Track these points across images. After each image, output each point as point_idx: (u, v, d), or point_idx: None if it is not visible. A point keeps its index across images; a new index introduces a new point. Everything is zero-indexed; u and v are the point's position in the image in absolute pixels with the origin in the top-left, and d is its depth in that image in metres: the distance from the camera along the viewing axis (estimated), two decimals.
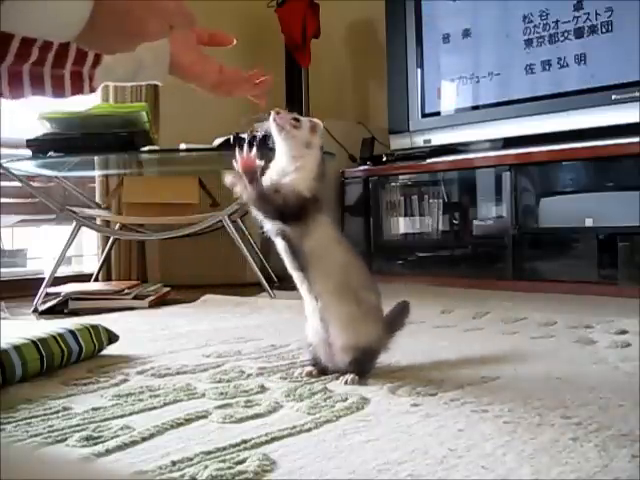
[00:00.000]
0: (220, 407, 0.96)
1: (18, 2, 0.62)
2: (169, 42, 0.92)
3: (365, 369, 1.11)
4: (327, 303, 1.10)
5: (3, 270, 2.71)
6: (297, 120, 1.11)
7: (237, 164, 1.08)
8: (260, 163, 1.09)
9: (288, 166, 1.10)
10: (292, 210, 1.08)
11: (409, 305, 1.28)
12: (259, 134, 1.14)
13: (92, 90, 0.86)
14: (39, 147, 2.35)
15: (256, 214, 1.11)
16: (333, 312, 1.10)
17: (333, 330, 1.10)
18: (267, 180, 1.11)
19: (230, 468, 0.71)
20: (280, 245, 1.12)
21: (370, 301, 1.13)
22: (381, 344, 1.15)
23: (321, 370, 1.14)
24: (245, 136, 2.39)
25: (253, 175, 1.08)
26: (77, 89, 0.84)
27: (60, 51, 0.78)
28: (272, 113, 1.11)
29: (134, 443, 0.81)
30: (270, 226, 1.11)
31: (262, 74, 1.04)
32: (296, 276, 1.12)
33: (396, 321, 1.23)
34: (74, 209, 2.46)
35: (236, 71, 1.03)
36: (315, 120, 1.13)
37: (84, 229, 2.56)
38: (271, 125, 1.11)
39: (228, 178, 1.10)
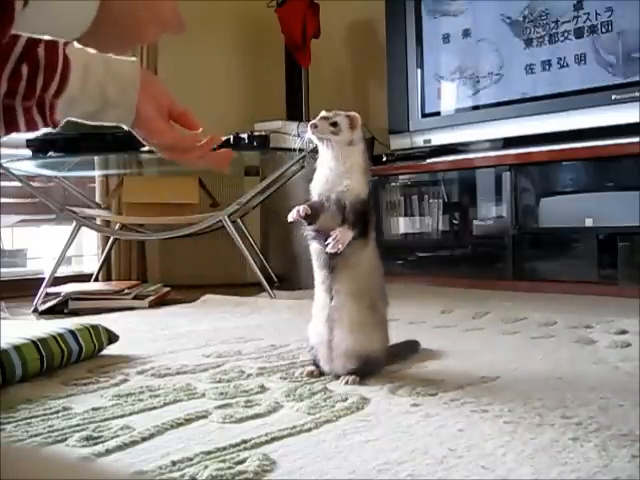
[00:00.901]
0: (220, 407, 0.96)
1: (32, 2, 0.62)
2: (140, 92, 0.88)
3: (363, 376, 1.10)
4: (342, 302, 1.08)
5: (3, 270, 2.71)
6: (335, 125, 1.08)
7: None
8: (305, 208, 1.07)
9: (338, 171, 1.08)
10: (362, 218, 1.08)
11: (418, 345, 1.31)
12: (303, 145, 1.14)
13: (53, 123, 0.81)
14: (39, 147, 2.35)
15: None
16: (345, 313, 1.08)
17: (339, 332, 1.09)
18: (319, 190, 1.09)
19: (230, 468, 0.71)
20: (315, 247, 1.11)
21: (382, 313, 1.13)
22: (383, 357, 1.14)
23: (321, 370, 1.14)
24: (245, 136, 2.40)
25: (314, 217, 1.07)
26: (38, 119, 0.79)
27: (29, 84, 0.75)
28: (309, 127, 1.09)
29: (134, 443, 0.81)
30: (309, 230, 1.10)
31: (216, 140, 1.01)
32: (320, 274, 1.11)
33: (400, 352, 1.24)
34: (74, 209, 2.46)
35: (193, 137, 1.00)
36: (352, 114, 1.10)
37: (84, 229, 2.56)
38: (312, 138, 1.10)
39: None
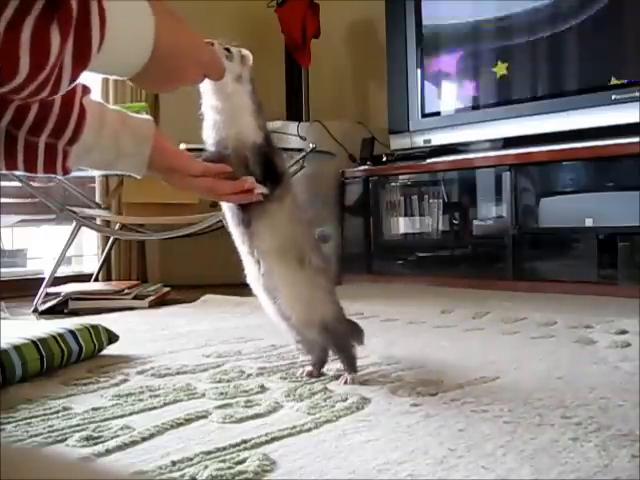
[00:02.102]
0: (220, 407, 0.96)
1: None
2: (154, 144, 0.91)
3: (341, 349, 1.08)
4: (270, 265, 1.04)
5: (3, 270, 2.71)
6: (229, 51, 1.01)
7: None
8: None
9: (225, 112, 1.01)
10: (268, 167, 1.02)
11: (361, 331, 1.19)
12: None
13: (65, 170, 0.83)
14: None
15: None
16: (277, 277, 1.04)
17: (282, 302, 1.05)
18: (212, 138, 1.03)
19: (230, 468, 0.71)
20: (227, 205, 1.06)
21: (317, 267, 1.07)
22: (342, 321, 1.09)
23: (321, 370, 1.15)
24: None
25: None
26: (49, 165, 0.82)
27: (37, 121, 0.77)
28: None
29: (134, 443, 0.81)
30: None
31: (248, 186, 1.00)
32: (236, 234, 1.06)
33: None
34: (74, 209, 2.46)
35: (222, 167, 1.00)
36: (245, 51, 1.03)
37: (84, 229, 2.56)
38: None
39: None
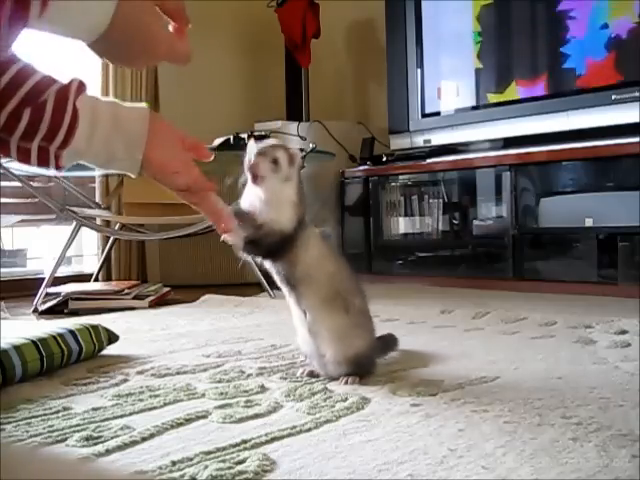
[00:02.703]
0: (220, 407, 0.96)
1: (53, 3, 0.64)
2: (148, 141, 0.88)
3: (361, 375, 1.10)
4: (316, 317, 1.08)
5: (3, 270, 2.71)
6: (276, 162, 1.02)
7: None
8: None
9: (268, 203, 1.03)
10: (277, 248, 1.05)
11: (396, 339, 1.27)
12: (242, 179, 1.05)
13: (58, 167, 0.83)
14: None
15: (244, 256, 1.07)
16: (322, 325, 1.08)
17: (322, 343, 1.09)
18: (245, 206, 1.05)
19: (230, 468, 0.71)
20: (268, 265, 1.09)
21: (360, 308, 1.12)
22: (373, 352, 1.13)
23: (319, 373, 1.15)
24: (245, 136, 2.40)
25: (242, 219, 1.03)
26: (43, 164, 0.82)
27: (29, 129, 0.77)
28: (246, 167, 1.01)
29: (134, 443, 0.81)
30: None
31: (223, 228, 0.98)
32: (284, 289, 1.11)
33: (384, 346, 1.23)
34: (74, 209, 2.46)
35: (211, 185, 0.97)
36: (291, 150, 1.04)
37: (84, 229, 2.56)
38: (247, 174, 1.02)
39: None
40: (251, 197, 1.05)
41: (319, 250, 1.10)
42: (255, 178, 1.01)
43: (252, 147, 1.04)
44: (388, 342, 1.25)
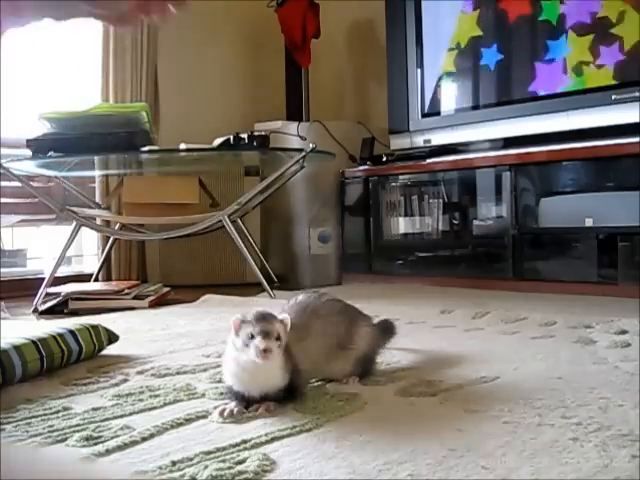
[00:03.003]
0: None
1: None
2: None
3: (361, 375, 1.10)
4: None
5: (3, 270, 2.70)
6: (279, 338, 0.94)
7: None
8: None
9: (265, 369, 0.95)
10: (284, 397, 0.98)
11: (393, 324, 1.25)
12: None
13: None
14: (39, 147, 2.35)
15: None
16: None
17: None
18: (243, 387, 0.96)
19: (230, 468, 0.71)
20: None
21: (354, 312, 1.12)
22: (376, 347, 1.14)
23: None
24: (245, 136, 2.40)
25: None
26: None
27: None
28: (258, 353, 0.91)
29: (134, 443, 0.81)
30: None
31: None
32: None
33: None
34: (74, 209, 2.46)
35: None
36: (282, 317, 0.97)
37: (84, 229, 2.56)
38: (255, 358, 0.91)
39: None
40: (243, 370, 0.95)
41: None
42: (266, 357, 0.92)
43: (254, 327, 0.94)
44: (386, 328, 1.23)
